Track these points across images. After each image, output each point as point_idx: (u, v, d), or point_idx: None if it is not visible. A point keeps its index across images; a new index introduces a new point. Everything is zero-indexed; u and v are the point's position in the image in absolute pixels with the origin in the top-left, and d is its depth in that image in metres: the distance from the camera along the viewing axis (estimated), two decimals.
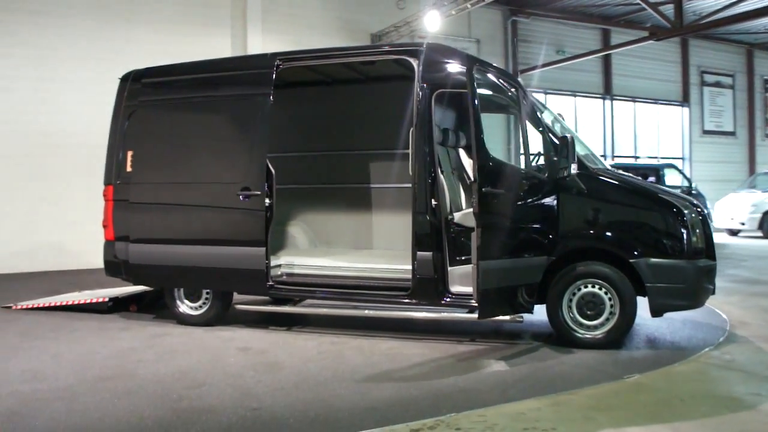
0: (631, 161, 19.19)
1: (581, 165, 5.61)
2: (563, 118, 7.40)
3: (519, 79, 6.85)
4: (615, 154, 18.97)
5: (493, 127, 6.27)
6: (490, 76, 5.83)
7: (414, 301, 5.87)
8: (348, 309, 6.52)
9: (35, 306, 7.74)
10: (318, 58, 6.54)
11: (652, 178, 15.11)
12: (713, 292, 5.77)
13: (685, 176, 15.59)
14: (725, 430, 3.70)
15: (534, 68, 16.51)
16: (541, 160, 5.96)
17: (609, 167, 6.63)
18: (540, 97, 17.83)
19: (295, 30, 14.31)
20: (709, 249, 5.58)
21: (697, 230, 5.47)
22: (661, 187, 5.98)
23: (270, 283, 6.33)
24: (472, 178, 5.34)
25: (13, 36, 11.81)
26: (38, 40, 12.00)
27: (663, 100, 20.39)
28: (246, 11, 13.93)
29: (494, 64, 6.12)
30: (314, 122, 7.85)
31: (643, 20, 17.28)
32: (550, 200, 5.60)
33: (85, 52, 12.24)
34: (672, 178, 15.50)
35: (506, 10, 16.85)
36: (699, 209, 5.69)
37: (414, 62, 5.88)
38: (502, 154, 5.65)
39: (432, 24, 13.04)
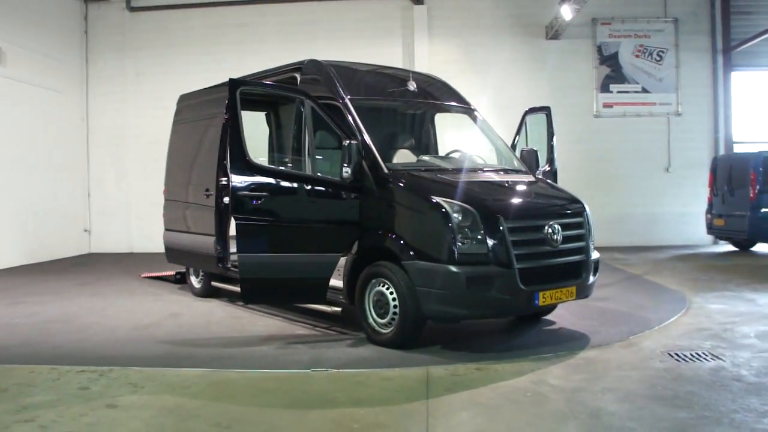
0: None
1: (377, 167, 6.06)
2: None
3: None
4: None
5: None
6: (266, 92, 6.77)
7: None
8: None
9: (147, 276, 10.77)
10: (260, 78, 7.94)
11: None
12: (526, 306, 5.67)
13: None
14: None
15: (746, 42, 14.43)
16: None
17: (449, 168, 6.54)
18: (759, 75, 15.36)
19: (462, 32, 15.31)
20: (498, 256, 5.46)
21: (472, 235, 5.44)
22: (463, 188, 5.90)
23: (227, 264, 8.04)
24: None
25: (221, 63, 15.40)
26: (240, 65, 15.26)
27: None
28: (414, 19, 15.35)
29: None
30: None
31: None
32: (346, 202, 6.16)
33: None
34: None
35: None
36: (491, 212, 5.61)
37: (298, 78, 7.02)
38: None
39: (566, 15, 12.82)
